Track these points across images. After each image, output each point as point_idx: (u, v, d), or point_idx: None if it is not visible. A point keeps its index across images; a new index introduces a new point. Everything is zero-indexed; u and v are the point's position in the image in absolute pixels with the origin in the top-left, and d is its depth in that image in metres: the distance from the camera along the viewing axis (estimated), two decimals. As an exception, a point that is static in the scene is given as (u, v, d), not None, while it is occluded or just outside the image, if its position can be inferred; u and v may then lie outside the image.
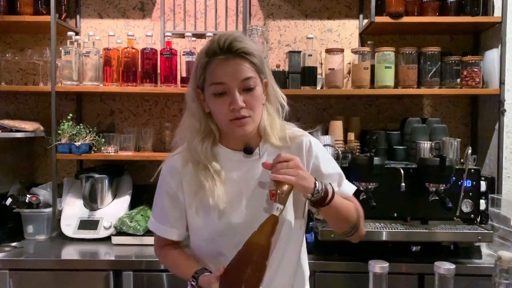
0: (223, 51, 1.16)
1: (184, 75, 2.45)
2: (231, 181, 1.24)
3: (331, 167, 1.32)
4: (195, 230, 1.30)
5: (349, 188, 1.35)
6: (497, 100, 2.30)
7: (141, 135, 2.57)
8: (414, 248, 2.05)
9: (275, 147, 1.26)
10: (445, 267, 0.88)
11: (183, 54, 2.43)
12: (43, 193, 2.48)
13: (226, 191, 1.22)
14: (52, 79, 2.37)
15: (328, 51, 2.40)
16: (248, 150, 1.25)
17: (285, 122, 1.31)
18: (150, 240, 2.23)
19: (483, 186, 2.26)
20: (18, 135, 2.37)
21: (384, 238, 2.00)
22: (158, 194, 1.34)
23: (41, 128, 2.49)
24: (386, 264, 0.88)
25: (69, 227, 2.35)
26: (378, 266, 0.88)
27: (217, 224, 1.23)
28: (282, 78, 2.44)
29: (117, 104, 2.75)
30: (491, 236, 2.05)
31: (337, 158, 2.20)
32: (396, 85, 2.37)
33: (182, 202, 1.29)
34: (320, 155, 1.30)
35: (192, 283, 1.21)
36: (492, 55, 2.39)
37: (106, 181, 2.44)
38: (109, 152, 2.45)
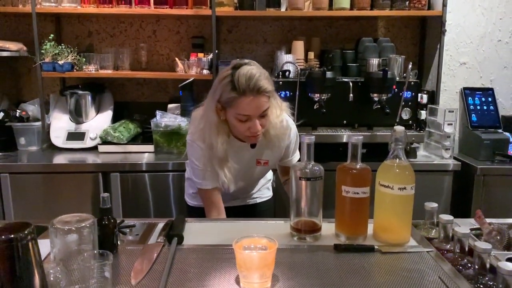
0: (252, 92, 1.42)
1: (157, -4, 2.61)
2: (235, 160, 1.61)
3: (296, 152, 1.77)
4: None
5: (296, 158, 1.78)
6: (440, 21, 2.58)
7: (119, 55, 2.77)
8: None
9: (268, 137, 1.61)
10: (355, 137, 1.21)
11: (156, -24, 2.58)
12: (31, 109, 2.71)
13: (230, 169, 1.60)
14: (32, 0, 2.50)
15: (291, -26, 2.59)
16: (254, 146, 1.63)
17: (282, 105, 1.64)
18: (133, 148, 2.56)
19: (424, 98, 2.61)
20: (4, 54, 2.54)
21: (337, 141, 2.35)
22: (195, 161, 1.61)
23: (24, 48, 2.66)
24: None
25: (58, 138, 2.61)
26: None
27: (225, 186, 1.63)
28: (249, 1, 2.64)
29: (95, 25, 2.91)
30: (423, 137, 2.43)
31: (296, 75, 2.49)
32: (351, 7, 2.60)
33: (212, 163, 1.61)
34: (293, 139, 1.72)
35: None
36: (439, -21, 2.62)
37: (89, 97, 2.67)
38: (90, 71, 2.66)
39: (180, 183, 2.37)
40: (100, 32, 2.92)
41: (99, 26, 2.91)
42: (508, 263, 0.95)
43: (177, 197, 2.40)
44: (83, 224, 0.98)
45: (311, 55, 2.70)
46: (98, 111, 2.77)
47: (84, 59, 2.65)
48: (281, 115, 1.62)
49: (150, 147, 2.53)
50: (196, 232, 1.31)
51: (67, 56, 2.60)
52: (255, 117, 1.46)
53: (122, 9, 2.60)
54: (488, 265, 1.03)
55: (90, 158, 2.49)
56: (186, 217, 1.40)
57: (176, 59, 2.73)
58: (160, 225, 1.34)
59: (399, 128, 1.19)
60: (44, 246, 1.02)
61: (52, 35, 2.62)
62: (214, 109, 1.51)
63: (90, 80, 2.81)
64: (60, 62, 2.57)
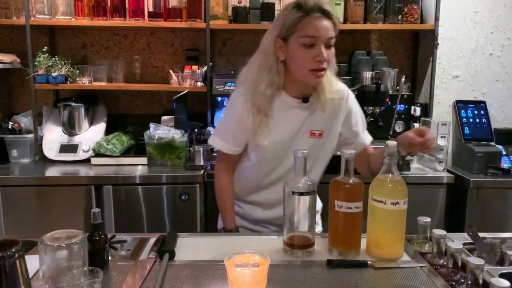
0: (319, 10, 1.36)
1: (151, 9, 2.62)
2: (281, 122, 1.50)
3: (360, 120, 1.63)
4: (250, 149, 1.58)
5: (368, 138, 1.67)
6: (432, 34, 2.60)
7: (113, 67, 2.77)
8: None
9: (322, 97, 1.50)
10: (347, 151, 1.21)
11: (150, -11, 2.60)
12: (24, 121, 2.70)
13: (273, 131, 1.49)
14: (26, 12, 2.50)
15: (285, -12, 2.61)
16: (306, 100, 1.50)
17: (339, 81, 1.58)
18: (126, 160, 2.54)
19: (417, 111, 2.63)
20: (-3, 66, 2.54)
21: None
22: (227, 118, 1.58)
23: (18, 60, 2.65)
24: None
25: (51, 150, 2.59)
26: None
27: (262, 152, 1.53)
28: (243, 14, 2.66)
29: (89, 37, 2.92)
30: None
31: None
32: (345, 21, 2.63)
33: (246, 126, 1.50)
34: (353, 108, 1.60)
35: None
36: (430, -7, 2.66)
37: (83, 110, 2.66)
38: (84, 83, 2.66)
39: (173, 196, 2.36)
40: (94, 44, 2.92)
41: (94, 38, 2.92)
42: (501, 279, 0.95)
43: (170, 211, 2.38)
44: (73, 241, 0.97)
45: (305, 68, 2.71)
46: (91, 123, 2.76)
47: (78, 71, 2.65)
48: (336, 80, 1.54)
49: (144, 160, 2.52)
50: (189, 248, 1.30)
51: (61, 68, 2.59)
52: (322, 41, 1.36)
53: (117, 22, 2.61)
54: (481, 281, 1.03)
55: (83, 171, 2.47)
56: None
57: (170, 71, 2.74)
58: (152, 240, 1.32)
59: (392, 143, 1.20)
60: (34, 261, 1.00)
61: (46, 47, 2.62)
62: (272, 49, 1.42)
63: (83, 92, 2.80)
64: (54, 74, 2.56)
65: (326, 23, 1.36)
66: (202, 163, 2.46)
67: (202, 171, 2.39)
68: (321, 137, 1.54)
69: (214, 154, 2.51)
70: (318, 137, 1.54)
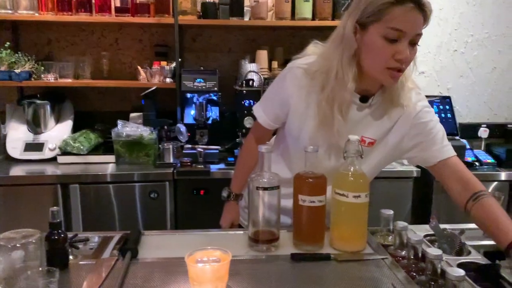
0: (412, 0, 1.13)
1: (118, 4, 2.58)
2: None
3: (445, 139, 1.34)
4: (286, 131, 1.42)
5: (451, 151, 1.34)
6: (399, 31, 2.64)
7: (79, 63, 2.72)
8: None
9: (387, 103, 1.30)
10: (310, 146, 1.22)
11: (116, -16, 2.55)
12: (-14, 119, 2.61)
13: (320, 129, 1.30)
14: (-13, 7, 2.43)
15: (254, -16, 2.61)
16: (365, 99, 1.30)
17: (417, 86, 1.35)
18: (94, 158, 2.50)
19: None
20: (-44, 62, 2.45)
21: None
22: (273, 89, 1.42)
23: (-21, 56, 2.56)
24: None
25: (15, 149, 2.52)
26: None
27: (299, 144, 1.33)
28: (212, 9, 2.65)
29: (54, 33, 2.85)
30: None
31: (260, 84, 2.51)
32: (313, 17, 2.64)
33: (288, 106, 1.35)
34: (431, 123, 1.33)
35: (223, 194, 1.57)
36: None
37: (48, 107, 2.59)
38: (49, 80, 2.59)
39: (143, 194, 2.33)
40: (60, 40, 2.86)
41: (59, 34, 2.85)
42: (456, 269, 0.97)
43: (141, 209, 2.35)
44: (28, 240, 0.95)
45: (275, 64, 2.73)
46: (57, 121, 2.70)
47: (42, 68, 2.58)
48: (413, 85, 1.32)
49: (112, 158, 2.48)
50: (153, 245, 1.29)
51: (24, 65, 2.52)
52: (407, 36, 1.15)
53: (82, 17, 2.55)
54: (439, 271, 1.05)
55: (49, 170, 2.41)
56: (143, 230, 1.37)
57: (139, 67, 2.70)
58: (116, 239, 1.30)
59: (353, 138, 1.21)
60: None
61: (8, 43, 2.54)
62: (354, 36, 1.20)
63: (49, 89, 2.74)
64: (17, 71, 2.50)
65: (417, 16, 1.14)
66: (171, 160, 2.44)
67: (172, 169, 2.37)
68: (370, 146, 1.33)
69: (183, 152, 2.50)
70: (368, 146, 1.33)
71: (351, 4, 1.24)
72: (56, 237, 1.08)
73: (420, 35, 1.18)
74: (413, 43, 1.17)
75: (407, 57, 1.16)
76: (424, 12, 1.14)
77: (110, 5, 2.57)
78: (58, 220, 1.09)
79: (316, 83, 1.30)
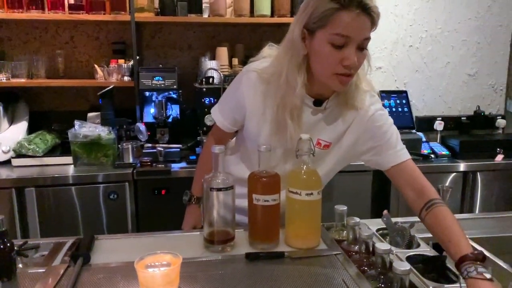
0: (358, 6, 1.10)
1: (72, 1, 2.51)
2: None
3: (399, 142, 1.35)
4: (245, 134, 1.42)
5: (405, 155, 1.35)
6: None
7: (33, 62, 2.63)
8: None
9: (341, 105, 1.30)
10: (263, 146, 1.23)
11: (69, -20, 2.48)
12: None
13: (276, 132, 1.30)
14: None
15: (211, -20, 2.59)
16: (319, 103, 1.29)
17: (372, 89, 1.35)
18: (50, 160, 2.43)
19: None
20: None
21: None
22: (230, 92, 1.40)
23: None
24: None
25: (-35, 153, 2.42)
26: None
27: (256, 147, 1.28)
28: (171, 6, 2.61)
29: (5, 31, 2.74)
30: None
31: (220, 81, 2.50)
32: (272, 14, 2.65)
33: (244, 110, 1.35)
34: (380, 129, 1.32)
35: (185, 197, 1.56)
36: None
37: (1, 108, 2.50)
38: (1, 79, 2.50)
39: (103, 196, 2.29)
40: (11, 38, 2.75)
41: (11, 32, 2.74)
42: (402, 262, 1.01)
43: (102, 211, 2.31)
44: (-30, 252, 0.91)
45: (235, 61, 2.72)
46: (11, 122, 2.60)
47: (-6, 67, 2.49)
48: (368, 88, 1.32)
49: (69, 159, 2.42)
50: (107, 250, 1.27)
51: (-27, 65, 2.42)
52: (354, 42, 1.13)
53: (34, 14, 2.47)
54: (388, 265, 1.09)
55: (3, 173, 2.32)
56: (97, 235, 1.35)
57: (96, 65, 2.64)
58: (68, 244, 1.28)
59: (305, 136, 1.22)
60: None
61: (-46, 42, 2.43)
62: (299, 37, 1.18)
63: (1, 89, 2.63)
64: (-35, 71, 2.39)
65: (364, 21, 1.12)
66: (131, 160, 2.41)
67: (132, 169, 2.33)
68: (326, 148, 1.34)
69: (144, 151, 2.47)
70: (324, 148, 1.34)
71: (300, 8, 1.22)
72: (1, 246, 1.04)
73: (368, 39, 1.16)
74: (362, 48, 1.16)
75: (354, 63, 1.15)
76: (371, 17, 1.13)
77: (63, 2, 2.49)
78: (4, 229, 1.05)
79: (271, 87, 1.29)
